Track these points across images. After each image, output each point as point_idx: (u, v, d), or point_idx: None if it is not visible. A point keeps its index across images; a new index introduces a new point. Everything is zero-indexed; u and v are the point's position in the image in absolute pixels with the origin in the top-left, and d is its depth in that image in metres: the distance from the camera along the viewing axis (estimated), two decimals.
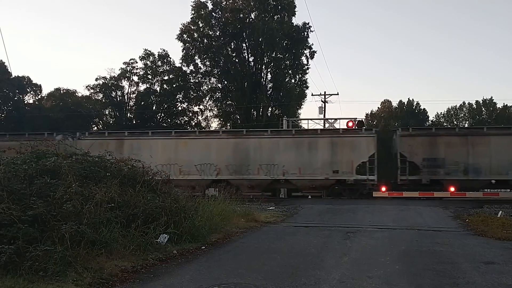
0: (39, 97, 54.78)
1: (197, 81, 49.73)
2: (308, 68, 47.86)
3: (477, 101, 68.09)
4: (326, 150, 24.44)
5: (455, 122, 66.72)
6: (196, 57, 47.91)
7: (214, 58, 47.38)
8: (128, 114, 51.93)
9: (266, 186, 24.87)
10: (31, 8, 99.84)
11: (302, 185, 24.61)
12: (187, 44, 47.31)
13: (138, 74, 50.78)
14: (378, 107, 72.09)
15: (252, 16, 46.63)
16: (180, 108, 51.93)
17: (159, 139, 25.72)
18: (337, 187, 24.35)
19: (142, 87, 51.45)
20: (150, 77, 50.87)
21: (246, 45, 47.29)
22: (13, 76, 49.49)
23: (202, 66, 48.48)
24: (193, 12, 46.77)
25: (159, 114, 51.70)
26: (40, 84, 56.09)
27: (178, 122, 51.09)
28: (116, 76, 50.67)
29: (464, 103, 68.75)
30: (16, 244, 6.42)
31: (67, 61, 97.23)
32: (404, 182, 23.81)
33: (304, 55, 47.29)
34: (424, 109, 68.46)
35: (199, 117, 52.15)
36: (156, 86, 51.50)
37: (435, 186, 23.65)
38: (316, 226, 13.58)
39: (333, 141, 24.57)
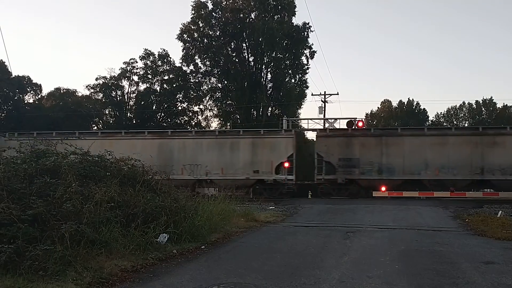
0: (39, 96, 54.75)
1: (197, 81, 49.74)
2: (308, 68, 47.92)
3: (477, 101, 68.19)
4: (247, 150, 25.00)
5: (455, 122, 66.82)
6: (196, 57, 47.94)
7: (214, 58, 47.38)
8: (128, 114, 51.92)
9: (191, 186, 24.79)
10: (31, 8, 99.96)
11: (225, 185, 24.47)
12: (187, 44, 47.32)
13: (138, 74, 50.79)
14: (378, 107, 72.24)
15: (252, 16, 46.64)
16: (180, 108, 51.95)
17: (89, 139, 25.51)
18: (258, 187, 24.82)
19: (142, 86, 51.47)
20: (150, 77, 50.85)
21: (246, 45, 47.29)
22: (13, 75, 49.44)
23: (202, 66, 48.54)
24: (193, 12, 46.81)
25: (159, 113, 51.70)
26: (40, 84, 56.11)
27: (178, 122, 51.10)
28: (116, 75, 50.68)
29: (464, 103, 68.89)
30: (16, 244, 6.43)
31: (67, 61, 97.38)
32: (320, 181, 24.38)
33: (304, 55, 47.32)
34: (424, 109, 68.61)
35: (199, 117, 52.23)
36: (156, 86, 51.51)
37: (350, 185, 24.27)
38: (316, 226, 13.59)
39: (254, 142, 25.11)
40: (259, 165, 24.69)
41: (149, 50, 50.31)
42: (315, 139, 26.01)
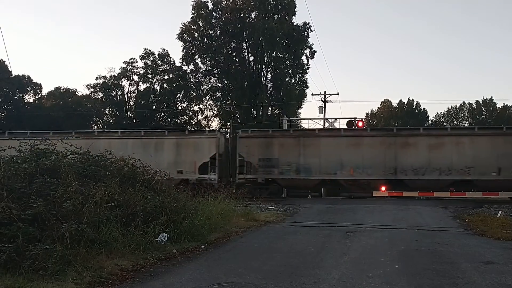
0: (39, 96, 54.79)
1: (197, 80, 49.72)
2: (308, 68, 47.89)
3: (477, 101, 68.14)
4: (171, 150, 25.23)
5: (455, 122, 66.79)
6: (196, 57, 47.91)
7: (214, 57, 47.37)
8: (128, 114, 51.95)
9: None
10: (31, 7, 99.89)
11: None
12: (187, 44, 47.30)
13: (138, 73, 50.81)
14: (378, 107, 72.20)
15: (253, 15, 46.62)
16: (180, 108, 51.97)
17: (13, 139, 25.45)
18: (182, 187, 24.95)
19: (142, 86, 51.49)
20: (150, 77, 50.86)
21: (246, 44, 47.27)
22: (13, 75, 49.44)
23: (202, 66, 48.50)
24: (193, 11, 46.78)
25: (159, 113, 51.72)
26: (40, 83, 56.11)
27: (178, 121, 51.12)
28: (116, 75, 50.69)
29: (464, 103, 68.84)
30: (16, 243, 6.43)
31: (67, 60, 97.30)
32: (241, 181, 24.68)
33: (304, 54, 47.27)
34: (424, 109, 68.58)
35: (199, 117, 52.25)
36: (156, 86, 51.52)
37: (270, 185, 24.70)
38: (316, 226, 13.59)
39: (178, 142, 25.41)
40: (183, 165, 24.98)
41: (149, 50, 50.39)
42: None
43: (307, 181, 24.05)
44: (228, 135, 27.71)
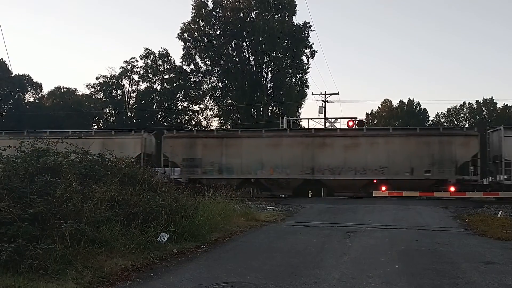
0: (39, 95, 54.91)
1: (197, 80, 49.77)
2: (308, 68, 47.97)
3: (477, 101, 68.05)
4: (97, 151, 25.08)
5: (455, 122, 66.71)
6: (196, 56, 47.99)
7: (214, 57, 47.39)
8: (129, 113, 51.97)
9: None
10: (31, 7, 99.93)
11: None
12: (187, 43, 47.35)
13: (138, 73, 50.90)
14: (379, 107, 72.16)
15: (253, 15, 46.65)
16: (180, 107, 51.99)
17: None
18: None
19: (143, 86, 51.61)
20: (151, 76, 50.92)
21: (246, 44, 47.29)
22: (14, 74, 49.53)
23: (202, 65, 48.58)
24: (193, 11, 46.84)
25: (160, 113, 51.75)
26: (40, 83, 56.29)
27: (179, 121, 51.14)
28: (116, 75, 50.78)
29: (464, 103, 68.75)
30: (16, 243, 6.43)
31: (67, 60, 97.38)
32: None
33: (305, 54, 47.33)
34: (424, 109, 68.54)
35: (200, 116, 52.29)
36: (156, 85, 51.61)
37: (193, 184, 24.57)
38: (316, 226, 13.58)
39: (104, 142, 25.00)
40: None
41: (149, 49, 50.50)
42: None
43: (230, 180, 23.77)
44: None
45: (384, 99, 71.43)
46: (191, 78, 49.88)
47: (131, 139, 25.82)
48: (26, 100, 53.40)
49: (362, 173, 23.74)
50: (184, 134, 26.56)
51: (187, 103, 51.90)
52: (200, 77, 49.43)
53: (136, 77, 51.02)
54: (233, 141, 25.30)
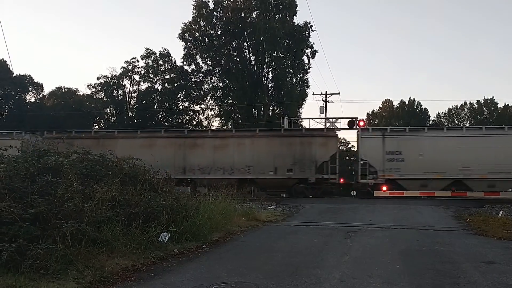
0: (40, 95, 54.88)
1: (198, 80, 49.78)
2: (309, 68, 47.90)
3: (478, 101, 67.91)
4: None
5: (456, 122, 66.60)
6: (197, 56, 48.01)
7: (215, 57, 47.39)
8: (130, 113, 52.00)
9: None
10: (32, 7, 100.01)
11: None
12: (188, 43, 47.36)
13: (139, 73, 50.90)
14: (380, 107, 72.04)
15: (254, 15, 46.63)
16: (181, 107, 52.01)
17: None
18: None
19: (144, 86, 51.61)
20: (152, 76, 50.94)
21: (247, 44, 47.29)
22: (15, 74, 49.53)
23: (203, 65, 48.59)
24: (194, 11, 46.84)
25: (160, 113, 51.77)
26: (41, 83, 56.29)
27: (179, 121, 51.16)
28: (117, 75, 50.79)
29: (465, 102, 68.58)
30: (17, 242, 6.43)
31: (68, 60, 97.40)
32: None
33: (306, 54, 47.27)
34: (425, 108, 68.33)
35: (200, 116, 52.29)
36: (157, 85, 51.62)
37: None
38: (317, 225, 13.58)
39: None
40: None
41: (150, 49, 50.52)
42: None
43: None
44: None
45: (385, 99, 71.30)
46: (192, 78, 49.91)
47: (12, 140, 25.58)
48: (27, 100, 53.40)
49: (230, 172, 24.92)
50: (63, 135, 25.91)
51: (188, 103, 51.93)
52: (201, 77, 49.48)
53: (137, 77, 51.10)
54: (109, 141, 25.18)
